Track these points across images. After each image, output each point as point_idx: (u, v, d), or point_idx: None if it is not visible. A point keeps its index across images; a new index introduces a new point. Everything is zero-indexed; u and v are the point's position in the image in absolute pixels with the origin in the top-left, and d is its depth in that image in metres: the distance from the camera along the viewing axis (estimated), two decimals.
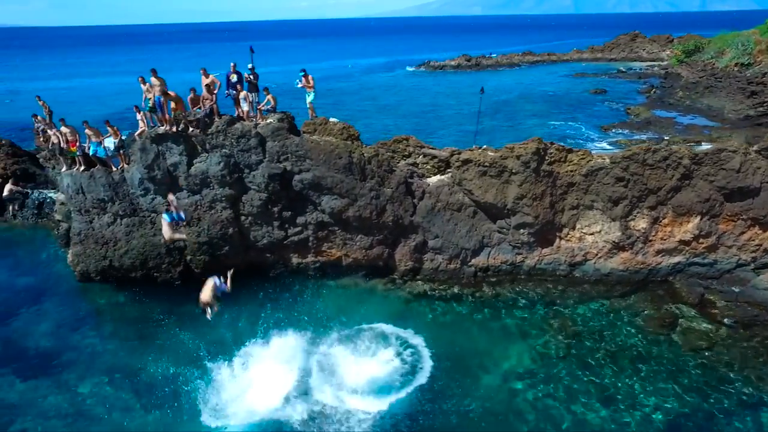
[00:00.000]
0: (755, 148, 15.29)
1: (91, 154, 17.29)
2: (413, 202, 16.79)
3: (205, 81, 15.77)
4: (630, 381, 13.83)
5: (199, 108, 16.82)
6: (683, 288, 16.26)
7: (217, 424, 12.38)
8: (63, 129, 17.49)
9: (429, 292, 17.52)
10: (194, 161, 16.23)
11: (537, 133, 36.25)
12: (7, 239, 23.32)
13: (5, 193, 23.28)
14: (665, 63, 71.51)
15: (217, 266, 17.55)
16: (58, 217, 21.07)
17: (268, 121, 15.98)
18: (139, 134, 16.73)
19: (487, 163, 16.13)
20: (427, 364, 14.19)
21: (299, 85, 16.80)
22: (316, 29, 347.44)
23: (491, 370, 14.31)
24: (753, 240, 15.54)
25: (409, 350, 14.59)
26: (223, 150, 15.59)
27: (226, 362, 13.96)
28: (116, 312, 17.93)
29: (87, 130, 17.06)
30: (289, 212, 16.68)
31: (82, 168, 17.79)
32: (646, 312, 15.93)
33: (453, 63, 79.45)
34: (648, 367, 14.23)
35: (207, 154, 16.03)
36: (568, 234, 16.82)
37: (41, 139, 23.48)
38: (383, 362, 13.91)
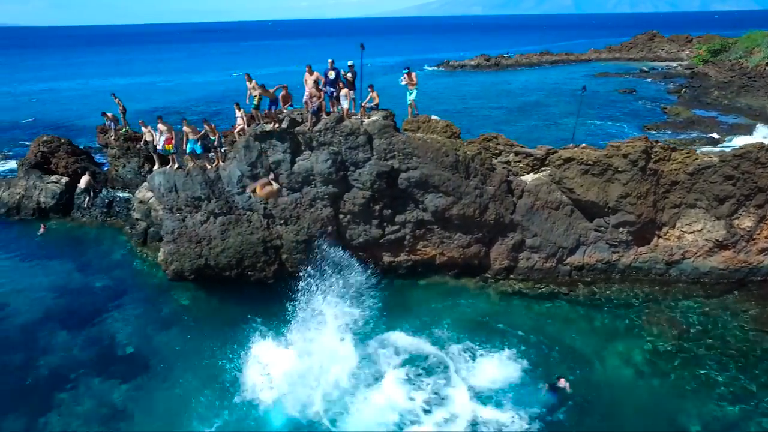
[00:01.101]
0: None
1: (188, 151, 17.21)
2: (513, 200, 16.74)
3: (311, 77, 15.69)
4: (745, 380, 13.82)
5: (290, 106, 16.82)
6: None
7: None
8: (160, 126, 17.43)
9: (523, 291, 17.48)
10: (297, 159, 16.15)
11: (580, 132, 36.49)
12: (77, 238, 23.15)
13: (82, 184, 23.22)
14: (686, 63, 71.71)
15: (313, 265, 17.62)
16: (136, 215, 21.05)
17: (373, 118, 15.92)
18: (239, 131, 16.67)
19: (590, 162, 16.10)
20: (537, 363, 14.15)
21: (402, 83, 16.73)
22: (318, 29, 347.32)
23: (601, 368, 14.20)
24: None
25: (514, 349, 14.53)
26: (331, 147, 15.51)
27: (330, 364, 13.80)
28: (202, 311, 17.71)
29: (185, 128, 16.99)
30: (389, 210, 16.62)
31: (176, 166, 17.71)
32: (751, 311, 15.93)
33: (473, 63, 79.50)
34: (762, 365, 14.22)
35: (311, 152, 15.95)
36: (667, 232, 16.81)
37: (110, 136, 23.46)
38: (504, 361, 13.86)
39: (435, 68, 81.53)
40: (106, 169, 26.65)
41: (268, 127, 15.55)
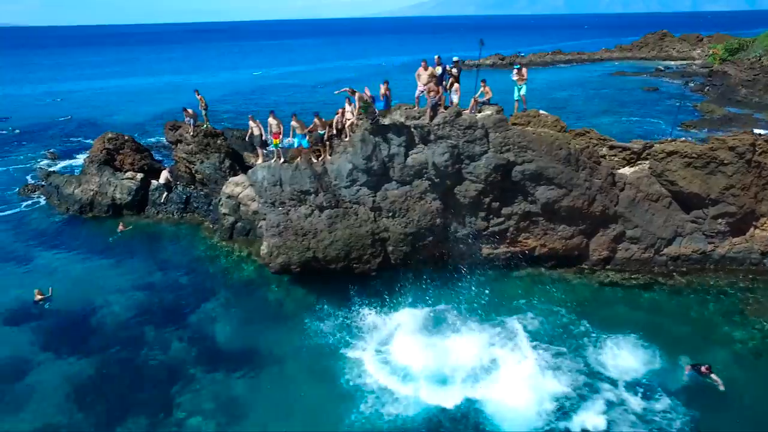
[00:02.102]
0: None
1: (296, 145, 17.48)
2: (616, 192, 17.20)
3: (425, 73, 16.07)
4: None
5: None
6: None
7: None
8: (270, 120, 17.66)
9: (621, 282, 17.96)
10: (410, 152, 16.50)
11: (616, 129, 37.01)
12: (156, 235, 23.27)
13: (162, 179, 23.40)
14: (699, 62, 72.78)
15: (415, 257, 17.99)
16: (223, 210, 21.27)
17: (486, 112, 16.30)
18: (349, 126, 16.97)
19: (694, 155, 16.59)
20: (664, 347, 14.57)
21: (514, 78, 17.16)
22: (316, 29, 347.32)
23: (706, 358, 14.56)
24: None
25: (634, 335, 14.95)
26: (449, 141, 15.86)
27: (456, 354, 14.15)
28: (301, 304, 17.70)
29: (293, 122, 17.24)
30: (497, 203, 17.01)
31: (282, 161, 17.97)
32: None
33: (488, 62, 79.99)
34: None
35: (425, 146, 16.31)
36: (764, 223, 17.35)
37: (188, 131, 23.63)
38: (632, 347, 14.29)
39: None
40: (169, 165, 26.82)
41: (387, 121, 15.87)
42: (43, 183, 28.42)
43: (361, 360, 14.28)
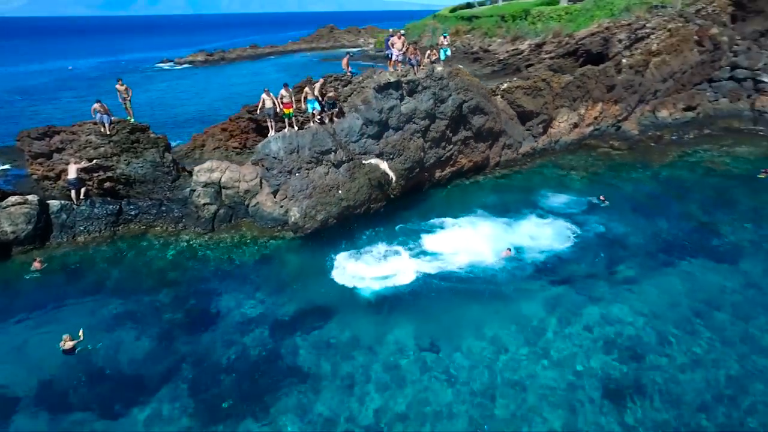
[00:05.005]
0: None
1: (310, 110, 19.17)
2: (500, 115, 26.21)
3: (399, 41, 20.78)
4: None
5: None
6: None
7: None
8: (282, 92, 18.59)
9: (506, 174, 27.41)
10: (402, 103, 21.01)
11: None
12: (93, 260, 18.83)
13: (72, 173, 19.19)
14: (371, 47, 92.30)
15: (408, 188, 22.82)
16: (203, 201, 20.33)
17: (439, 68, 22.25)
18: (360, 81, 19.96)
19: (527, 87, 27.07)
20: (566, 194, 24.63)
21: (444, 43, 23.28)
22: None
23: (560, 198, 25.79)
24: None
25: (562, 191, 24.55)
26: (430, 90, 21.16)
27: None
28: (327, 255, 19.76)
29: (306, 88, 18.90)
30: (451, 133, 23.48)
31: (297, 128, 19.27)
32: (589, 157, 30.56)
33: (200, 58, 79.59)
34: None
35: (411, 96, 21.13)
36: (557, 124, 29.66)
37: (105, 129, 20.32)
38: (556, 196, 23.69)
39: (166, 64, 77.82)
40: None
41: (393, 77, 19.93)
42: None
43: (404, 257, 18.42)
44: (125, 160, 20.41)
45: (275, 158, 19.26)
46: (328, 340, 14.76)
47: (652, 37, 34.73)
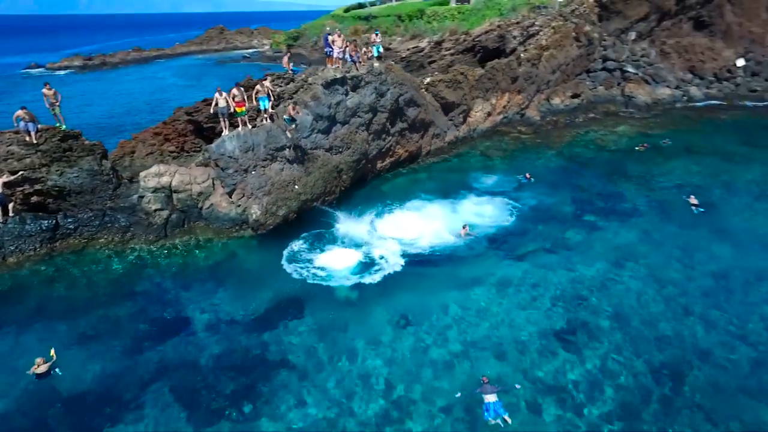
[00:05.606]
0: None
1: (262, 108, 19.30)
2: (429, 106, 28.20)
3: (339, 39, 21.64)
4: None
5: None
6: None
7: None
8: (234, 91, 18.50)
9: (434, 162, 29.50)
10: (347, 98, 21.91)
11: None
12: (26, 283, 17.39)
13: None
14: (267, 48, 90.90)
15: (359, 179, 23.86)
16: (154, 207, 19.62)
17: (377, 64, 23.46)
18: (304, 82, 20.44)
19: (448, 80, 29.39)
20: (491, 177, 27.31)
21: (377, 40, 24.33)
22: None
23: (501, 171, 28.72)
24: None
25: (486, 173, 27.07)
26: (372, 84, 22.29)
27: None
28: (286, 247, 20.40)
29: (258, 86, 19.02)
30: (390, 125, 24.89)
31: (250, 127, 19.29)
32: (501, 143, 33.96)
33: (77, 63, 72.37)
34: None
35: (355, 92, 22.12)
36: (473, 114, 32.46)
37: (31, 138, 18.66)
38: (484, 177, 26.22)
39: (35, 70, 69.51)
40: None
41: (339, 74, 20.73)
42: None
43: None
44: (57, 171, 18.87)
45: (231, 157, 19.15)
46: (300, 331, 15.03)
47: (541, 33, 39.24)
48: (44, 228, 18.57)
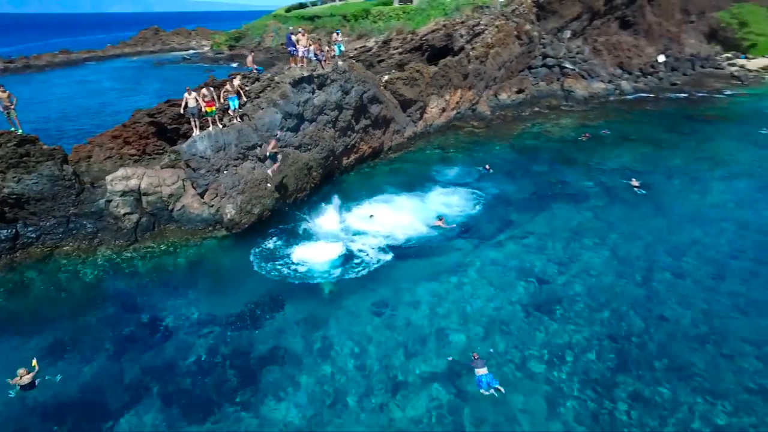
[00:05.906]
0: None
1: (232, 108, 19.24)
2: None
3: (304, 38, 21.90)
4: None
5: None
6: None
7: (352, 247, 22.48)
8: (204, 91, 18.34)
9: (397, 156, 30.42)
10: (313, 97, 22.22)
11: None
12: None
13: None
14: (207, 49, 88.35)
15: (326, 176, 24.24)
16: (123, 211, 19.16)
17: (340, 62, 23.88)
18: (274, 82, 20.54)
19: (405, 77, 30.33)
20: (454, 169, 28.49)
21: (339, 39, 24.59)
22: None
23: (462, 162, 29.99)
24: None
25: (444, 166, 28.20)
26: (338, 83, 22.71)
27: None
28: (261, 244, 20.50)
29: (227, 86, 18.95)
30: (355, 122, 25.42)
31: (221, 126, 19.18)
32: (459, 135, 35.41)
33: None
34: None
35: (321, 90, 22.47)
36: (430, 110, 33.59)
37: None
38: (448, 171, 27.36)
39: None
40: None
41: (306, 72, 21.01)
42: None
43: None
44: (14, 177, 17.94)
45: (203, 157, 18.98)
46: (279, 327, 15.20)
47: (486, 32, 41.09)
48: (2, 238, 17.63)
